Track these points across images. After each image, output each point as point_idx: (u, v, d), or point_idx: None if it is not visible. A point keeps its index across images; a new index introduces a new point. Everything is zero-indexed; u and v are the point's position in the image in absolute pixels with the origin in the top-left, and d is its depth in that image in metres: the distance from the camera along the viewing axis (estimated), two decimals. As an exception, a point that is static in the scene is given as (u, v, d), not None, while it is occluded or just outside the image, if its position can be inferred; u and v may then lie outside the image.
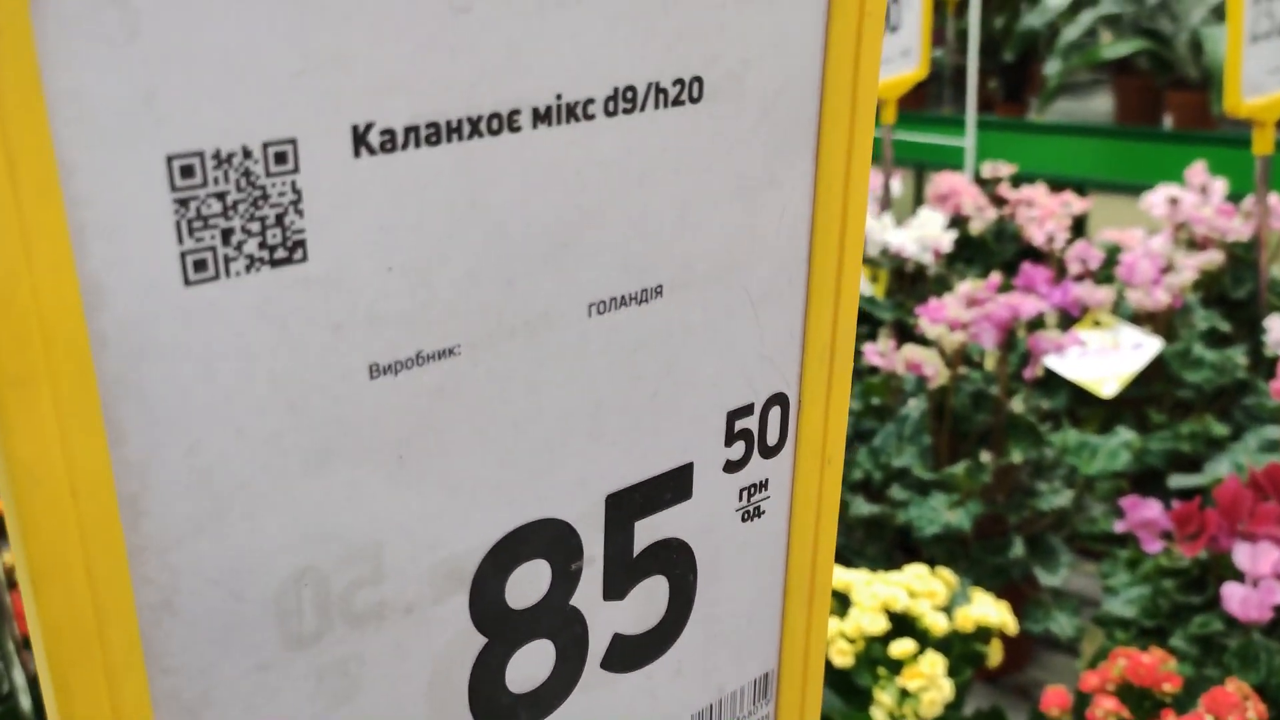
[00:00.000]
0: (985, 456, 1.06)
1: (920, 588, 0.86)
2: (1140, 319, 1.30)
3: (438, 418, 0.21)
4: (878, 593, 0.85)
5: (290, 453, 0.19)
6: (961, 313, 1.09)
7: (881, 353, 1.13)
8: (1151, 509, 0.96)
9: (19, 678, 0.77)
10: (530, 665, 0.24)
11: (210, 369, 0.18)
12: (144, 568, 0.18)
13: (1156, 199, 1.48)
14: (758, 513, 0.28)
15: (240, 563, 0.19)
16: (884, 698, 0.81)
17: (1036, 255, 1.54)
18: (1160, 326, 1.29)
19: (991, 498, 1.04)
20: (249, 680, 0.20)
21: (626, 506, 0.25)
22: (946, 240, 1.40)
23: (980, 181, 1.83)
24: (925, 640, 0.85)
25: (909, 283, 1.47)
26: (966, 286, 1.12)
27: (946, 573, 0.89)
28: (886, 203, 1.60)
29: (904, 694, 0.81)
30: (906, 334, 1.38)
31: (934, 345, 1.09)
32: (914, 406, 1.11)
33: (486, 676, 0.23)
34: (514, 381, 0.22)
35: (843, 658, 0.84)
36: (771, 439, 0.27)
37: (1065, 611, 1.02)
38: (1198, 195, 1.46)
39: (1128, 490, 1.09)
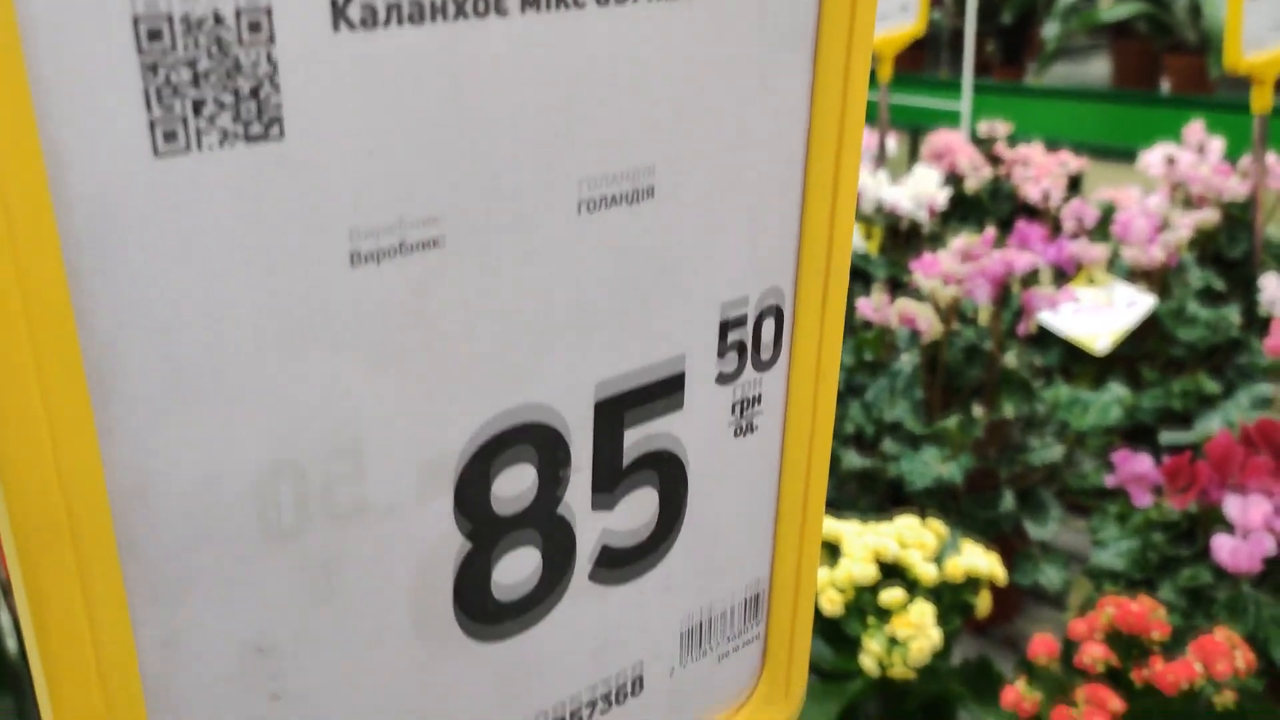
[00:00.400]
0: (977, 411, 1.06)
1: (911, 538, 0.86)
2: (1135, 276, 1.29)
3: (421, 310, 0.20)
4: (868, 543, 0.85)
5: (267, 340, 0.19)
6: (956, 267, 1.08)
7: (875, 307, 1.13)
8: (1142, 463, 0.96)
9: (4, 619, 0.77)
10: (516, 572, 0.24)
11: (182, 247, 0.17)
12: (115, 452, 0.17)
13: (1153, 158, 1.47)
14: (750, 428, 0.27)
15: (216, 452, 0.19)
16: (873, 645, 0.82)
17: (1032, 214, 1.53)
18: (1155, 284, 1.29)
19: (983, 452, 1.04)
20: (227, 573, 0.19)
21: (616, 413, 0.24)
22: (941, 197, 1.39)
23: (976, 142, 1.82)
24: (915, 589, 0.85)
25: (903, 240, 1.46)
26: (961, 241, 1.11)
27: (937, 523, 0.89)
28: (881, 161, 1.59)
29: (893, 642, 0.82)
30: (900, 291, 1.37)
31: (928, 299, 1.08)
32: (906, 361, 1.11)
33: (471, 582, 0.23)
34: (500, 277, 0.21)
35: (832, 606, 0.84)
36: (765, 352, 0.27)
37: (1054, 564, 1.03)
38: (1195, 154, 1.45)
39: (1119, 446, 1.09)
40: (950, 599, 0.88)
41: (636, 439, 0.25)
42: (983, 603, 0.87)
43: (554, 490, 0.24)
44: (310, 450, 0.20)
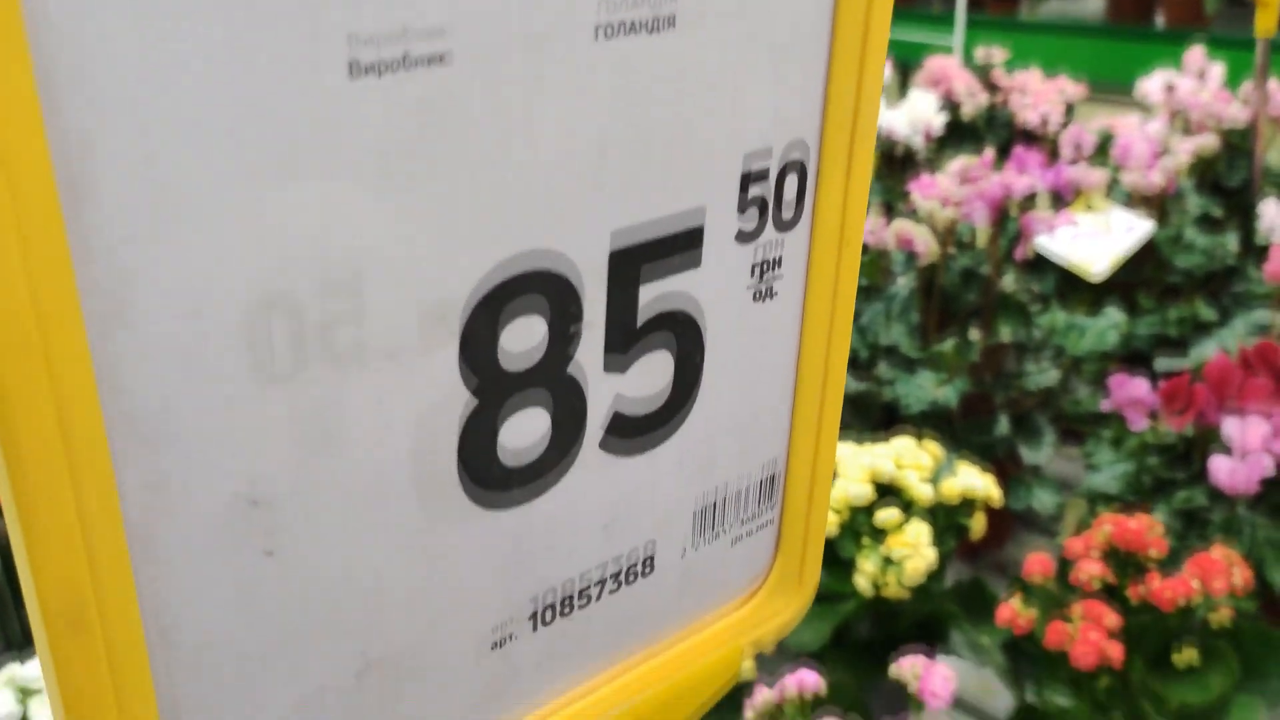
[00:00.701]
0: (974, 334, 1.05)
1: (908, 458, 0.85)
2: (1133, 202, 1.28)
3: (426, 133, 0.19)
4: (864, 463, 0.84)
5: (257, 153, 0.17)
6: (954, 190, 1.06)
7: (871, 230, 1.11)
8: (1139, 386, 0.96)
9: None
10: (524, 435, 0.22)
11: (160, 37, 0.15)
12: (91, 268, 0.16)
13: (1153, 85, 1.45)
14: (770, 293, 0.26)
15: (203, 277, 0.17)
16: (867, 565, 0.81)
17: (1029, 141, 1.51)
18: (1153, 210, 1.27)
19: (979, 376, 1.03)
20: (215, 415, 0.18)
21: (631, 266, 0.23)
22: (938, 122, 1.36)
23: (973, 69, 1.78)
24: (910, 510, 0.84)
25: (898, 167, 1.44)
26: (959, 163, 1.09)
27: (933, 444, 0.88)
28: (877, 86, 1.56)
29: (888, 562, 0.81)
30: (895, 216, 1.35)
31: (925, 221, 1.06)
32: (903, 284, 1.09)
33: (477, 443, 0.22)
34: (511, 104, 0.19)
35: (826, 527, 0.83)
36: (787, 211, 0.25)
37: (1048, 489, 1.02)
38: (1195, 80, 1.43)
39: (1115, 371, 1.09)
40: (945, 520, 0.87)
41: (652, 296, 0.23)
42: (977, 524, 0.87)
43: (565, 347, 0.22)
44: (306, 284, 0.18)
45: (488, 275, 0.20)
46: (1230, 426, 0.82)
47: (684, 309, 0.24)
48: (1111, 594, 0.72)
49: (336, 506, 0.20)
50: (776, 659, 0.78)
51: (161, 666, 0.18)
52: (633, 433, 0.24)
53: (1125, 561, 0.73)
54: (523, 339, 0.21)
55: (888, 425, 1.07)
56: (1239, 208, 1.34)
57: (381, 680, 0.22)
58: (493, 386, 0.21)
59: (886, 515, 0.81)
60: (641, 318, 0.23)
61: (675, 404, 0.25)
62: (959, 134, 1.57)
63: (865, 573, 0.81)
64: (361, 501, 0.20)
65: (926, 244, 1.03)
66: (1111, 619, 0.67)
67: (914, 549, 0.80)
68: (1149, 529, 0.72)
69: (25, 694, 0.57)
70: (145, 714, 0.18)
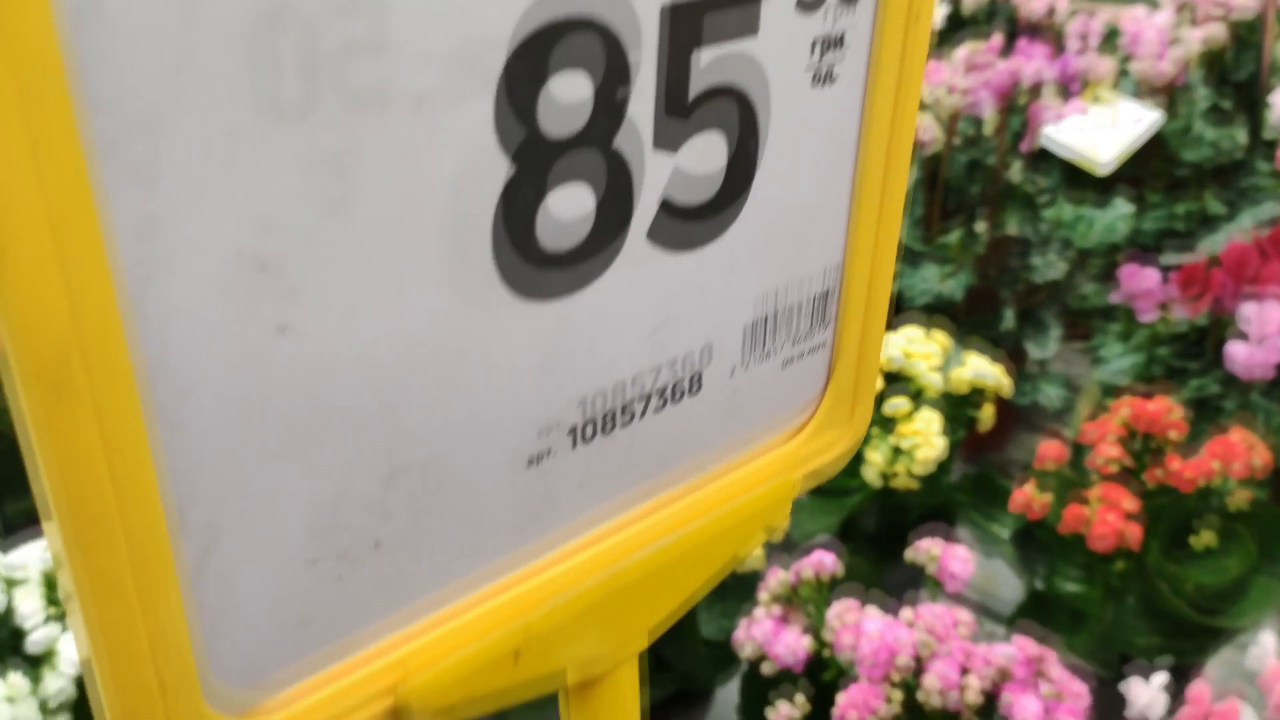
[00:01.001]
0: (980, 227, 1.02)
1: (916, 348, 0.83)
2: (1142, 93, 1.24)
3: None
4: (872, 352, 0.82)
5: None
6: (960, 79, 1.03)
7: (874, 121, 1.07)
8: (1150, 277, 0.94)
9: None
10: (566, 214, 0.20)
11: None
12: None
13: (1159, -23, 1.41)
14: (830, 77, 0.23)
15: (195, -28, 0.14)
16: (875, 457, 0.79)
17: (1034, 34, 1.46)
18: (1161, 102, 1.24)
19: (984, 269, 1.01)
20: (214, 147, 0.15)
21: (685, 25, 0.20)
22: (938, 14, 1.32)
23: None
24: (919, 400, 0.82)
25: (897, 64, 1.40)
26: (965, 51, 1.06)
27: (941, 335, 0.86)
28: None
29: (897, 452, 0.79)
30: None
31: (930, 109, 1.03)
32: (906, 177, 1.06)
33: (514, 219, 0.19)
34: None
35: (834, 418, 0.81)
36: (852, -23, 0.22)
37: (1053, 384, 1.00)
38: (1203, -29, 1.39)
39: (1123, 263, 1.06)
40: (952, 412, 0.85)
41: (707, 62, 0.20)
42: (985, 414, 0.85)
43: (611, 116, 0.19)
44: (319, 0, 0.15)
45: (529, 11, 0.17)
46: (1248, 310, 0.80)
47: (739, 84, 0.21)
48: (1127, 479, 0.71)
49: (357, 280, 0.17)
50: (784, 549, 0.77)
51: (162, 450, 0.16)
52: (682, 225, 0.22)
53: (1142, 446, 0.71)
54: (566, 101, 0.19)
55: (890, 321, 1.04)
56: (1247, 101, 1.31)
57: (409, 491, 0.19)
58: (532, 152, 0.19)
59: (896, 404, 0.79)
60: (695, 89, 0.21)
61: (728, 195, 0.22)
62: (958, 27, 1.53)
63: (874, 464, 0.79)
64: (385, 276, 0.18)
65: (932, 133, 1.00)
66: (1130, 501, 0.66)
67: (924, 437, 0.78)
68: (1167, 411, 0.70)
69: (9, 584, 0.55)
70: (144, 495, 0.15)
